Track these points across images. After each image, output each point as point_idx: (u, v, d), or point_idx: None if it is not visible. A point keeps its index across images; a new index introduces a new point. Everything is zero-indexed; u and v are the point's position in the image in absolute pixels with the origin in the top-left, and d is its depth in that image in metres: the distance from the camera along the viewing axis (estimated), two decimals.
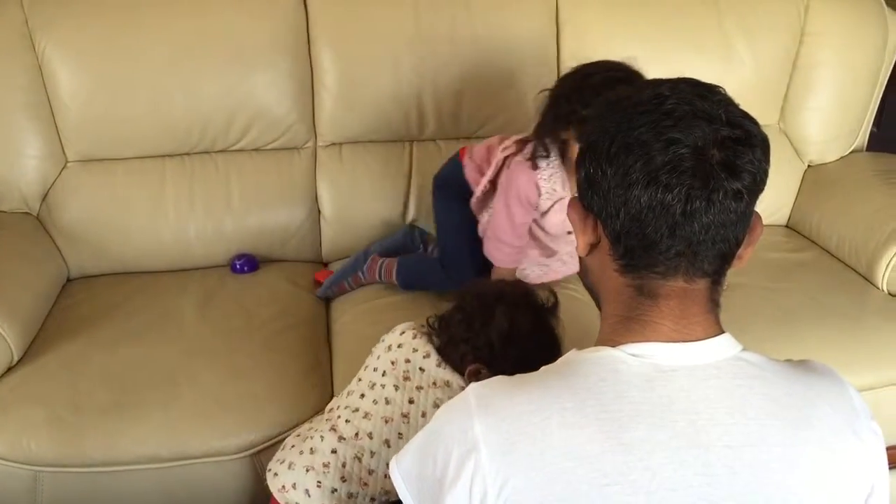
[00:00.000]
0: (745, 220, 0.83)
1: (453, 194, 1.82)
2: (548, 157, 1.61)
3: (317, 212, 2.05)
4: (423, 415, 1.25)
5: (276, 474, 1.32)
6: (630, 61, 1.47)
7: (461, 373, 1.27)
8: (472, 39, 2.01)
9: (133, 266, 1.98)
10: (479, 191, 1.75)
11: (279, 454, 1.36)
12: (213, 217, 2.00)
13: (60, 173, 1.95)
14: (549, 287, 1.53)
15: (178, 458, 1.51)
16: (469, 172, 1.79)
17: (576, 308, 1.62)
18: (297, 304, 1.87)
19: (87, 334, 1.72)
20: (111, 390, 1.55)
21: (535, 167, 1.61)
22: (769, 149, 0.83)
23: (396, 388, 1.28)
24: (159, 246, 1.98)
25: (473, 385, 0.83)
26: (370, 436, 1.27)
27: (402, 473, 0.87)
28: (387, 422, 1.27)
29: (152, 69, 1.92)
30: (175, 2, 1.95)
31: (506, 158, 1.70)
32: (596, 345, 0.85)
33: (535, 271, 1.83)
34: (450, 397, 1.20)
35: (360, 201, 2.05)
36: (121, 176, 1.97)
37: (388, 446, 1.26)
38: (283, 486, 1.29)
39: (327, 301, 1.93)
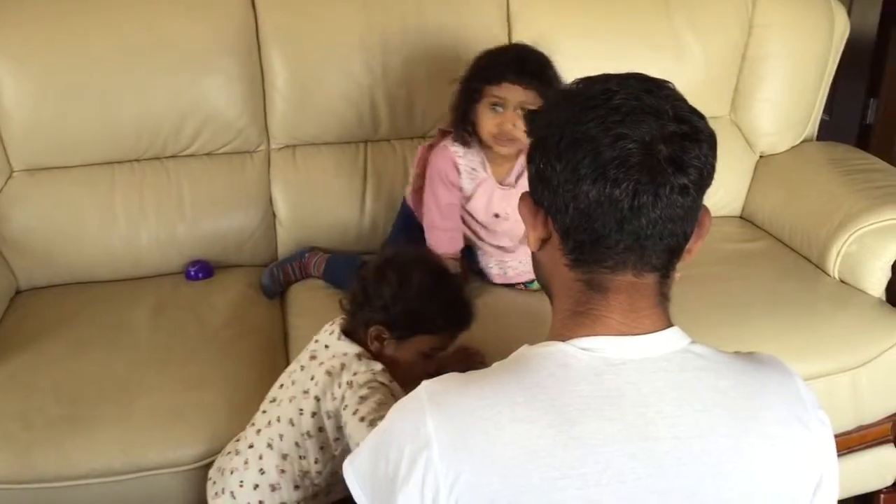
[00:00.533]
0: (693, 214, 0.84)
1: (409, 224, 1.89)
2: (467, 143, 1.71)
3: (272, 215, 2.03)
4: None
5: (213, 482, 1.34)
6: (534, 44, 1.67)
7: (366, 342, 1.32)
8: (424, 37, 2.00)
9: (84, 276, 1.95)
10: (408, 188, 1.85)
11: (217, 460, 1.38)
12: (166, 224, 1.97)
13: (6, 183, 1.91)
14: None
15: (133, 470, 1.49)
16: (415, 207, 1.87)
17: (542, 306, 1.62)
18: (253, 310, 1.85)
19: (37, 347, 1.68)
20: (62, 403, 1.52)
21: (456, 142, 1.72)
22: (716, 144, 0.84)
23: (302, 368, 1.33)
24: (110, 255, 1.94)
25: (425, 382, 0.84)
26: (278, 419, 1.30)
27: (355, 474, 0.86)
28: (290, 401, 1.30)
29: (99, 75, 1.88)
30: (122, 7, 1.91)
31: (430, 148, 1.79)
32: (548, 339, 0.86)
33: (494, 269, 1.83)
34: (342, 365, 1.25)
35: (315, 204, 2.04)
36: (68, 184, 1.93)
37: (292, 425, 1.29)
38: (216, 493, 1.31)
39: (283, 306, 1.91)
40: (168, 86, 1.92)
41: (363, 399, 1.21)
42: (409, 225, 1.89)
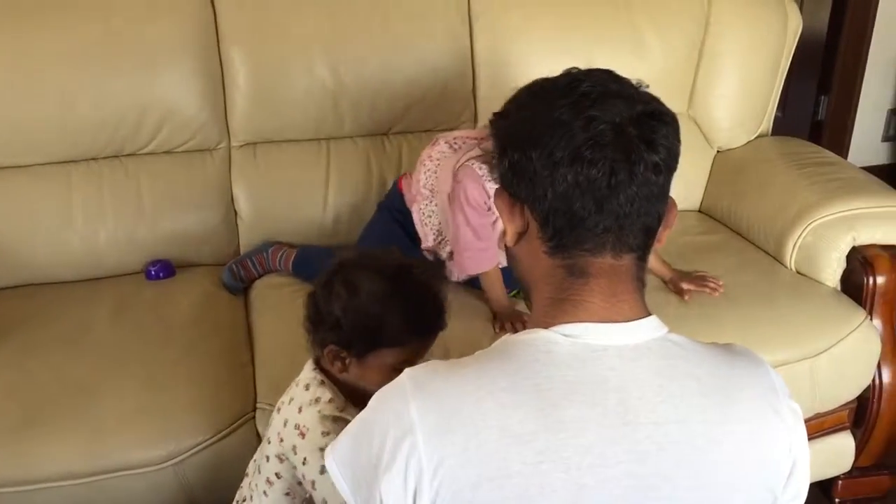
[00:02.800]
0: (665, 194, 0.86)
1: (391, 218, 1.86)
2: (489, 161, 1.64)
3: (233, 213, 2.02)
4: (285, 422, 1.22)
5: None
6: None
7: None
8: (386, 33, 2.00)
9: (42, 277, 1.91)
10: (410, 179, 1.83)
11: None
12: (125, 223, 1.94)
13: None
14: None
15: (96, 472, 1.46)
16: (408, 200, 1.82)
17: None
18: (216, 308, 1.83)
19: None
20: (21, 406, 1.49)
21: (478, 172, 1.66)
22: (679, 129, 0.86)
23: (278, 410, 1.27)
24: (69, 255, 1.91)
25: (408, 370, 0.84)
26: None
27: (336, 461, 0.86)
28: (269, 442, 1.26)
29: (55, 73, 1.85)
30: (78, 3, 1.88)
31: (433, 145, 1.77)
32: (529, 328, 0.87)
33: None
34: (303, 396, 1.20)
35: (277, 201, 2.02)
36: (24, 184, 1.89)
37: (268, 461, 1.25)
38: None
39: (246, 304, 1.90)
40: (126, 83, 1.89)
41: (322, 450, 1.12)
42: (393, 207, 1.87)
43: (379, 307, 1.18)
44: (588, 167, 0.80)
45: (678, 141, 0.85)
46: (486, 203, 1.66)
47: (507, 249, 0.94)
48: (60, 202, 1.90)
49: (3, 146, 1.87)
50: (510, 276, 1.00)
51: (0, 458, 1.43)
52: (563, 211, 0.83)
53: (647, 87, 0.87)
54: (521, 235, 0.89)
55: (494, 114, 0.94)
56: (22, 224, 1.89)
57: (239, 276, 1.92)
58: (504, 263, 1.73)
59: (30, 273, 1.91)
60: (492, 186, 1.64)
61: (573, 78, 0.84)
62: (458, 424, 0.77)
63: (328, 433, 1.15)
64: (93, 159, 1.95)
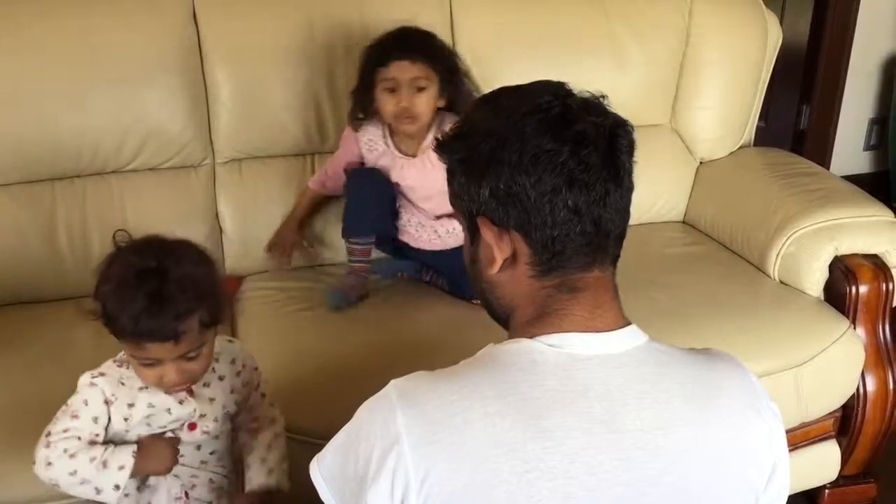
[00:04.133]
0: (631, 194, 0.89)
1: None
2: (364, 118, 1.81)
3: (218, 230, 2.01)
4: None
5: None
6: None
7: None
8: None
9: (25, 296, 1.90)
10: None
11: None
12: (109, 241, 1.92)
13: None
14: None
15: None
16: None
17: None
18: None
19: None
20: (4, 426, 1.48)
21: (355, 129, 1.84)
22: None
23: None
24: (53, 273, 1.90)
25: (394, 381, 0.84)
26: None
27: (322, 473, 0.86)
28: None
29: (37, 90, 1.85)
30: (60, 20, 1.88)
31: None
32: (509, 338, 0.88)
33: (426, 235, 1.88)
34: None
35: (262, 217, 2.02)
36: (6, 201, 1.88)
37: None
38: None
39: (232, 319, 1.89)
40: (108, 101, 1.89)
41: None
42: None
43: (114, 294, 1.15)
44: (587, 191, 0.82)
45: (635, 141, 0.88)
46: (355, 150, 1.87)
47: (483, 278, 0.92)
48: (45, 220, 1.90)
49: None
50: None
51: None
52: (562, 236, 0.83)
53: (604, 96, 0.88)
54: (506, 261, 0.88)
55: (445, 136, 0.91)
56: (5, 242, 1.88)
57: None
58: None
59: (14, 292, 1.89)
60: (364, 141, 1.84)
61: (539, 97, 0.85)
62: (444, 434, 0.78)
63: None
64: (77, 177, 1.94)
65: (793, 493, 0.93)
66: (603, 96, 0.88)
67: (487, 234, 0.88)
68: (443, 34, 2.05)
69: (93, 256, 1.90)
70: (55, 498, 1.43)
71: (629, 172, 0.86)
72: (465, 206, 0.89)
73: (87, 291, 1.87)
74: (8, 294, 1.89)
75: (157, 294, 1.11)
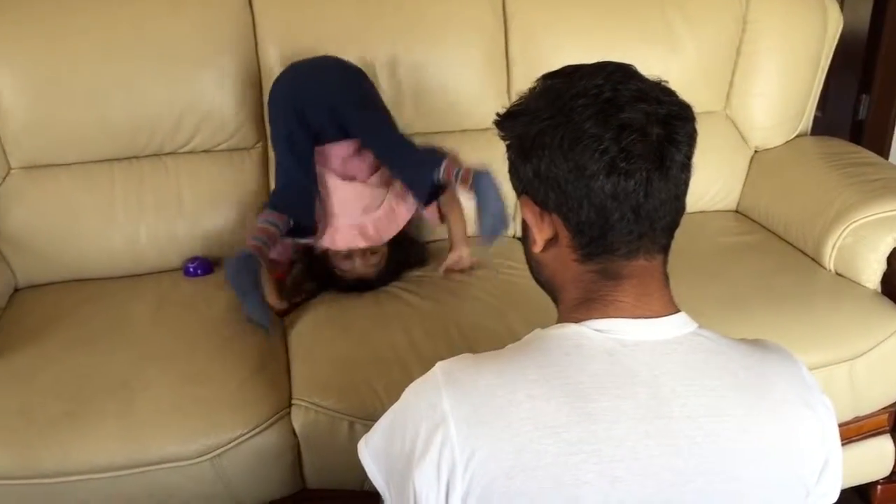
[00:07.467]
0: (687, 187, 0.86)
1: None
2: None
3: None
4: None
5: None
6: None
7: None
8: (422, 29, 2.02)
9: (83, 273, 1.95)
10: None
11: None
12: (165, 220, 1.97)
13: (4, 180, 1.91)
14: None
15: (135, 465, 1.48)
16: None
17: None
18: None
19: (37, 344, 1.68)
20: (63, 400, 1.52)
21: None
22: (695, 119, 0.85)
23: None
24: (110, 252, 1.95)
25: (440, 362, 0.85)
26: None
27: (370, 453, 0.87)
28: None
29: (93, 74, 1.90)
30: (114, 6, 1.92)
31: None
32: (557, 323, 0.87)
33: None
34: None
35: None
36: (66, 182, 1.93)
37: None
38: None
39: None
40: (163, 84, 1.93)
41: None
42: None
43: None
44: (626, 179, 0.80)
45: (696, 130, 0.85)
46: None
47: (532, 256, 0.93)
48: (103, 200, 1.94)
49: (45, 145, 1.92)
50: None
51: (42, 449, 1.46)
52: (599, 222, 0.83)
53: (667, 82, 0.85)
54: (549, 242, 0.88)
55: (502, 114, 0.92)
56: (65, 221, 1.93)
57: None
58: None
59: (73, 269, 1.94)
60: None
61: (594, 84, 0.82)
62: (490, 415, 0.78)
63: None
64: (134, 157, 1.98)
65: (844, 487, 0.92)
66: (663, 82, 0.86)
67: (528, 213, 0.89)
68: (495, 17, 2.06)
69: (148, 236, 1.96)
70: (111, 469, 1.48)
71: (680, 164, 0.82)
72: (514, 183, 0.91)
73: (141, 270, 1.95)
74: (64, 271, 1.95)
75: None
